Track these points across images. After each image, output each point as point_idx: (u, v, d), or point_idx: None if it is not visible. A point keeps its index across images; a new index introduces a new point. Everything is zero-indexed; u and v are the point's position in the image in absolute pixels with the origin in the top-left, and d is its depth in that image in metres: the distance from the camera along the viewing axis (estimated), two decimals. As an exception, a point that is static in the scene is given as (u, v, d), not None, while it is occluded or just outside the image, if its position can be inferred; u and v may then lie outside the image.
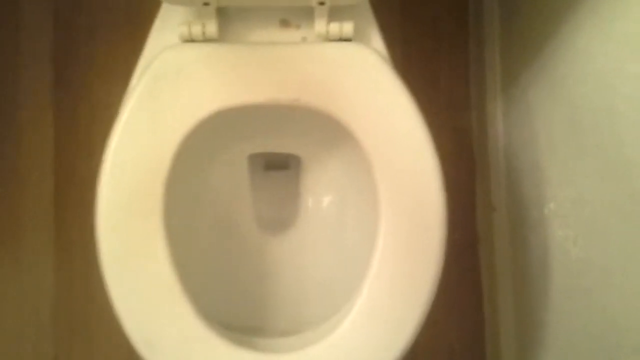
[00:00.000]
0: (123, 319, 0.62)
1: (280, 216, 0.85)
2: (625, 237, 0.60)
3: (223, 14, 0.66)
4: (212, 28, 0.64)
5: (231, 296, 0.77)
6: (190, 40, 0.65)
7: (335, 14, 0.65)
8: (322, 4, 0.62)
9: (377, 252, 0.63)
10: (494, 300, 1.00)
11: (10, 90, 1.06)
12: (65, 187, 1.06)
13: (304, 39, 0.67)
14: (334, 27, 0.64)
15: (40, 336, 1.04)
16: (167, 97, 0.62)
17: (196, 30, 0.64)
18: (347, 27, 0.64)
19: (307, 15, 0.66)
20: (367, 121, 0.63)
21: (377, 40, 0.68)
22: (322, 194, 0.84)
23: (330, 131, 0.76)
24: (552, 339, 0.80)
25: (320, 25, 0.65)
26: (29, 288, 1.05)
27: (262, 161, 0.88)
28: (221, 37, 0.66)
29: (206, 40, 0.65)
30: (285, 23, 0.68)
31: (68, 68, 1.08)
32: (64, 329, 1.05)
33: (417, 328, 0.62)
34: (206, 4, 0.62)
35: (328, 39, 0.65)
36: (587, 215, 0.68)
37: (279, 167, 0.88)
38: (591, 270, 0.67)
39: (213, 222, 0.80)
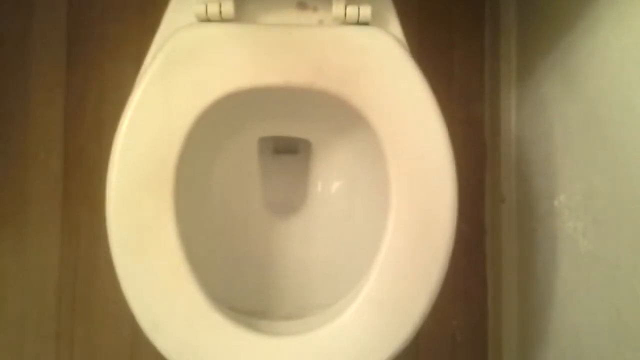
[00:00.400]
0: (130, 300, 0.61)
1: (289, 200, 0.85)
2: (635, 232, 0.60)
3: (239, -6, 0.66)
4: (229, 8, 0.64)
5: (237, 278, 0.77)
6: (206, 19, 0.64)
7: (353, -3, 0.64)
8: (340, -14, 0.62)
9: (386, 240, 0.62)
10: (498, 292, 1.00)
11: (22, 70, 1.06)
12: (73, 167, 1.06)
13: (320, 22, 0.67)
14: (352, 11, 0.63)
15: (43, 314, 1.05)
16: (182, 76, 0.61)
17: (213, 9, 0.63)
18: (365, 11, 0.63)
19: (324, -2, 0.66)
20: (382, 108, 0.63)
21: (394, 26, 0.67)
22: (331, 179, 0.84)
23: (343, 117, 0.75)
24: (555, 333, 0.80)
25: (338, 9, 0.64)
26: (33, 267, 1.05)
27: (272, 145, 0.88)
28: (237, 18, 0.65)
29: (223, 20, 0.64)
30: (302, 5, 0.67)
31: (79, 49, 1.08)
32: (67, 308, 1.05)
33: (422, 318, 0.62)
34: (224, -18, 0.61)
35: (345, 22, 0.65)
36: (598, 208, 0.68)
37: (289, 151, 0.88)
38: (600, 263, 0.67)
39: (221, 204, 0.80)
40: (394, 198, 0.62)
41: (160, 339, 0.61)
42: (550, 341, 0.81)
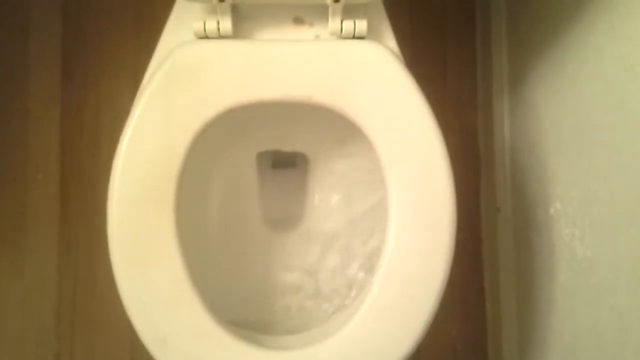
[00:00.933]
0: (133, 316, 0.62)
1: (287, 215, 0.86)
2: (634, 235, 0.61)
3: (237, 12, 0.66)
4: (227, 25, 0.64)
5: (237, 293, 0.77)
6: (204, 36, 0.65)
7: (348, 12, 0.65)
8: (336, 1, 0.63)
9: (388, 249, 0.63)
10: (496, 300, 1.01)
11: (19, 88, 1.07)
12: (70, 184, 1.07)
13: (317, 37, 0.68)
14: (348, 25, 0.64)
15: (43, 333, 1.04)
16: (181, 92, 0.62)
17: (211, 26, 0.64)
18: (361, 25, 0.64)
19: (320, 13, 0.67)
20: (379, 119, 0.63)
21: (390, 39, 0.68)
22: (329, 192, 0.84)
23: (340, 130, 0.76)
24: (555, 339, 0.80)
25: (334, 23, 0.65)
26: (32, 285, 1.05)
27: (270, 159, 0.88)
28: (235, 34, 0.66)
29: (221, 37, 0.65)
30: (298, 21, 0.68)
31: (75, 66, 1.08)
32: (67, 327, 1.05)
33: (426, 325, 0.63)
34: (222, 0, 0.62)
35: (341, 37, 0.66)
36: (594, 214, 0.69)
37: (286, 165, 0.89)
38: (598, 268, 0.68)
39: (221, 219, 0.80)
40: (393, 207, 0.63)
41: (163, 355, 0.61)
42: (550, 347, 0.82)
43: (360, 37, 0.66)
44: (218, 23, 0.64)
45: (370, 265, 0.76)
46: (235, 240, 0.81)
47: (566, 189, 0.75)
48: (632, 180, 0.60)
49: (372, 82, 0.63)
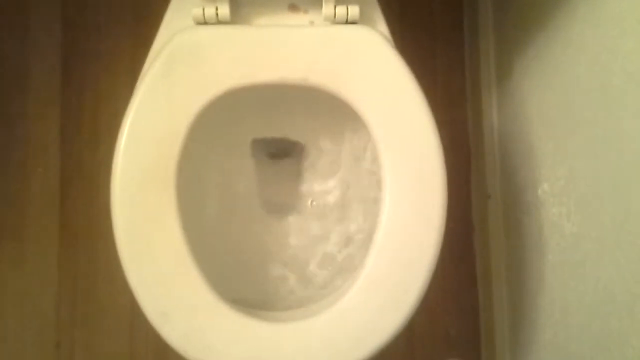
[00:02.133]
0: (136, 291, 0.63)
1: (284, 201, 0.88)
2: (616, 208, 0.63)
3: (235, -1, 0.69)
4: (225, 11, 0.67)
5: (236, 273, 0.79)
6: (204, 22, 0.68)
7: (341, -1, 0.68)
8: (330, -13, 0.66)
9: (381, 226, 0.65)
10: (488, 286, 1.03)
11: (19, 84, 1.09)
12: (70, 179, 1.09)
13: (311, 23, 0.71)
14: (341, 10, 0.67)
15: (43, 323, 1.06)
16: (182, 75, 0.65)
17: (210, 12, 0.67)
18: (353, 10, 0.67)
19: (314, 0, 0.70)
20: (372, 99, 0.66)
21: (381, 24, 0.71)
22: (324, 178, 0.87)
23: (335, 117, 0.79)
24: (545, 318, 0.83)
25: (328, 9, 0.68)
26: (33, 276, 1.07)
27: (266, 150, 0.91)
28: (233, 20, 0.69)
29: (219, 22, 0.68)
30: (293, 8, 0.71)
31: (75, 63, 1.11)
32: (67, 317, 1.07)
33: (419, 298, 0.65)
34: (220, -14, 0.65)
35: (335, 22, 0.68)
36: (580, 191, 0.71)
37: (282, 155, 0.91)
38: (584, 242, 0.70)
39: (219, 203, 0.82)
40: (387, 184, 0.65)
41: (166, 328, 0.62)
42: (540, 326, 0.84)
43: (353, 22, 0.68)
44: (216, 9, 0.67)
45: (364, 246, 0.79)
46: (233, 224, 0.83)
47: (553, 169, 0.78)
48: (615, 155, 0.63)
49: (364, 64, 0.66)
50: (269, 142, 0.88)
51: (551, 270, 0.80)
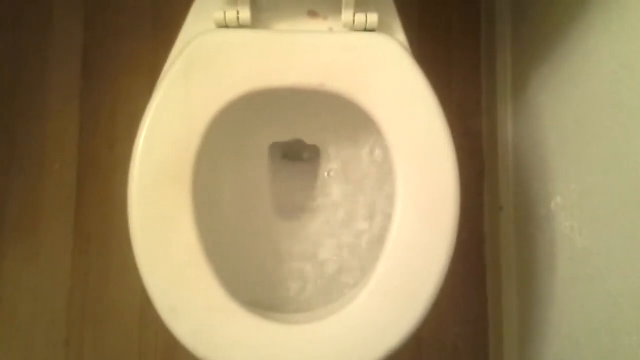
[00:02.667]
0: (149, 285, 0.64)
1: (297, 205, 0.89)
2: (628, 223, 0.63)
3: (256, 3, 0.70)
4: (246, 15, 0.68)
5: (247, 275, 0.80)
6: (225, 26, 0.69)
7: (360, 6, 0.69)
8: (350, -6, 0.67)
9: (393, 232, 0.66)
10: (498, 299, 1.03)
11: (40, 82, 1.11)
12: (86, 177, 1.10)
13: (330, 30, 0.72)
14: (360, 18, 0.68)
15: (53, 319, 1.07)
16: (202, 76, 0.66)
17: (231, 16, 0.68)
18: (372, 18, 0.68)
19: (334, 7, 0.70)
20: (388, 107, 0.67)
21: (399, 32, 0.72)
22: (339, 181, 0.87)
23: (351, 123, 0.80)
24: (554, 332, 0.82)
25: (347, 16, 0.69)
26: (46, 272, 1.08)
27: (282, 152, 0.92)
28: (254, 25, 0.70)
29: (240, 26, 0.69)
30: (313, 14, 0.72)
31: (95, 64, 1.13)
32: (78, 314, 1.08)
33: (430, 304, 0.65)
34: (242, -10, 0.66)
35: (354, 29, 0.69)
36: (593, 206, 0.71)
37: (297, 157, 0.92)
38: (595, 257, 0.70)
39: (233, 204, 0.83)
40: (399, 192, 0.66)
41: (177, 324, 0.63)
42: (549, 340, 0.84)
43: (372, 30, 0.69)
44: (238, 13, 0.68)
45: (377, 250, 0.79)
46: (246, 226, 0.84)
47: (566, 183, 0.78)
48: (628, 171, 0.63)
49: (381, 72, 0.67)
50: (285, 145, 0.90)
51: (561, 284, 0.80)
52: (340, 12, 0.70)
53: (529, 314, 0.92)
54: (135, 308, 1.07)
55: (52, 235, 1.08)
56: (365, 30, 0.69)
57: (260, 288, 0.79)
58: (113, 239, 1.08)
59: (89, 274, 1.08)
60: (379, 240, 0.77)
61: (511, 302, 0.98)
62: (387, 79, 0.67)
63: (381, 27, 0.70)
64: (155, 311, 0.64)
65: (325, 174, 0.87)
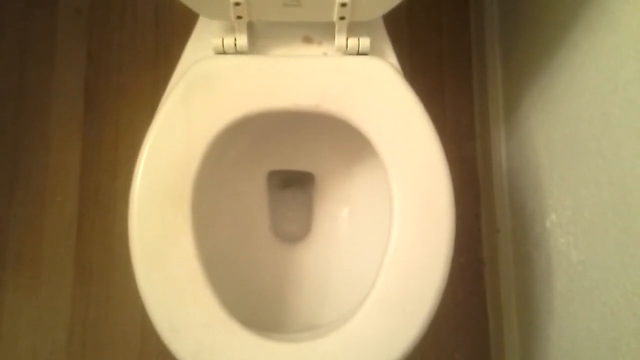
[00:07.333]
0: (149, 306, 0.64)
1: (295, 230, 0.90)
2: (622, 234, 0.65)
3: (252, 30, 0.73)
4: (243, 42, 0.71)
5: (247, 297, 0.80)
6: (222, 52, 0.71)
7: (353, 31, 0.72)
8: (342, 18, 0.69)
9: (389, 251, 0.67)
10: (498, 320, 1.03)
11: (43, 115, 1.14)
12: (88, 208, 1.12)
13: (324, 54, 0.74)
14: (353, 42, 0.71)
15: (54, 352, 1.07)
16: (202, 100, 0.68)
17: (229, 42, 0.71)
18: (365, 42, 0.71)
19: (327, 32, 0.73)
20: (382, 127, 0.69)
21: (390, 55, 0.74)
22: (335, 207, 0.89)
23: (345, 149, 0.82)
24: (555, 348, 0.82)
25: (340, 40, 0.71)
26: (47, 304, 1.08)
27: (279, 179, 0.93)
28: (250, 51, 0.72)
29: (237, 52, 0.72)
30: (308, 40, 0.75)
31: (97, 98, 1.16)
32: (78, 346, 1.08)
33: (430, 317, 0.65)
34: (239, 17, 0.69)
35: (347, 52, 0.72)
36: (586, 220, 0.73)
37: (294, 184, 0.93)
38: (591, 269, 0.71)
39: (232, 226, 0.84)
40: (395, 210, 0.67)
41: (177, 344, 0.63)
42: (551, 358, 0.84)
43: (364, 54, 0.72)
44: (235, 40, 0.71)
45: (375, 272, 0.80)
46: (245, 250, 0.85)
47: (559, 200, 0.80)
48: (618, 182, 0.65)
49: (375, 93, 0.69)
50: (283, 173, 0.91)
51: (560, 300, 0.81)
52: (333, 37, 0.72)
53: (530, 333, 0.92)
54: (136, 339, 1.07)
55: (53, 266, 1.09)
56: (358, 53, 0.72)
57: (258, 310, 0.79)
58: (114, 271, 1.09)
59: (89, 306, 1.08)
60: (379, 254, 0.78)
61: (511, 321, 0.98)
62: (380, 100, 0.69)
63: (373, 51, 0.72)
64: (156, 341, 0.64)
65: (322, 199, 0.89)
